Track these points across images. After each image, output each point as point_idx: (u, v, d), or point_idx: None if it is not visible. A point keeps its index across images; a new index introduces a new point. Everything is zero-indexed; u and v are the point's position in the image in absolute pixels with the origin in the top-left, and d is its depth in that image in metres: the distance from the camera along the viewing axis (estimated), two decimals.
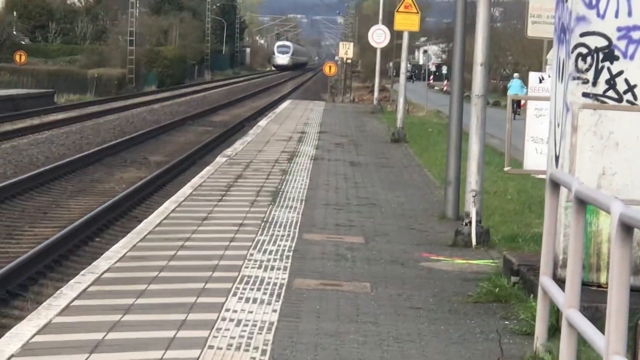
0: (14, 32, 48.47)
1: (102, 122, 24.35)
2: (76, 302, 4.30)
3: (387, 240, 6.94)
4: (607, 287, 2.24)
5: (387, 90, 38.79)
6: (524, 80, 33.94)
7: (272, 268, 5.50)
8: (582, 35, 4.53)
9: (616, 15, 4.49)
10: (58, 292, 4.66)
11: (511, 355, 3.61)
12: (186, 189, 9.33)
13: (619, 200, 2.36)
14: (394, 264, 5.95)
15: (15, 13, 50.32)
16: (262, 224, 7.24)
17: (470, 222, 6.62)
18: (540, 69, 13.22)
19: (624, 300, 2.00)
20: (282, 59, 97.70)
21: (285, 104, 28.92)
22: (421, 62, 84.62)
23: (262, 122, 19.73)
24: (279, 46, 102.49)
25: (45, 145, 17.77)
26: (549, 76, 7.16)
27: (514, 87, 34.48)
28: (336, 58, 56.46)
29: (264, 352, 3.54)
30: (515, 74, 39.07)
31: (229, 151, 13.56)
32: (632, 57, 4.52)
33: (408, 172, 12.52)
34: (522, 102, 15.21)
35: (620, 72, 4.51)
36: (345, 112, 26.44)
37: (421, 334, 4.00)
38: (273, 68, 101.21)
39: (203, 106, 33.06)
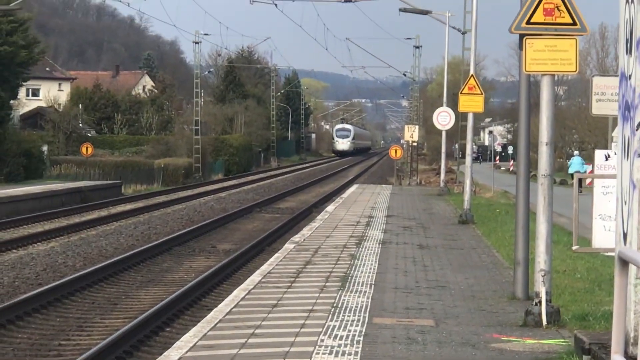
0: (80, 125, 48.70)
1: (169, 211, 24.47)
2: None
3: (458, 322, 6.89)
4: None
5: (453, 172, 38.75)
6: (587, 157, 33.51)
7: (344, 353, 5.56)
8: None
9: None
10: None
11: None
12: (255, 277, 9.42)
13: None
14: (465, 346, 5.91)
15: (80, 105, 50.29)
16: (332, 310, 7.31)
17: (540, 302, 6.54)
18: (606, 146, 13.13)
19: None
20: (342, 144, 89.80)
21: (352, 188, 29.09)
22: (487, 143, 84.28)
23: (330, 208, 19.84)
24: (338, 130, 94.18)
25: (113, 237, 18.00)
26: (615, 153, 7.17)
27: (575, 164, 34.07)
28: (402, 141, 57.48)
29: None
30: (576, 152, 38.60)
31: (296, 237, 13.66)
32: None
33: (477, 253, 12.39)
34: (588, 180, 15.00)
35: None
36: (412, 195, 26.47)
37: None
38: (332, 154, 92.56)
39: (270, 193, 33.29)
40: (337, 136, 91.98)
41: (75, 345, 8.38)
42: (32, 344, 8.48)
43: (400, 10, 25.65)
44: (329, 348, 5.75)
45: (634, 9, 4.63)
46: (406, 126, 41.80)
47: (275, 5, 32.54)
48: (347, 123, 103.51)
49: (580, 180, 21.58)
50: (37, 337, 8.79)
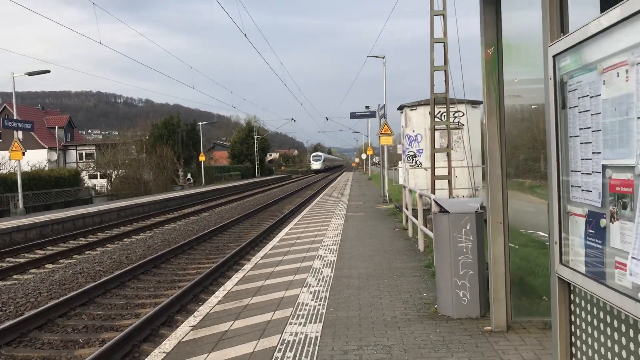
0: None
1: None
2: None
3: (365, 201, 28.20)
4: None
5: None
6: None
7: None
8: None
9: None
10: None
11: None
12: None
13: None
14: (366, 208, 27.12)
15: None
16: None
17: (386, 198, 28.12)
18: None
19: None
20: (315, 165, 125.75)
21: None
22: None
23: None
24: (313, 156, 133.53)
25: None
26: None
27: None
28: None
29: None
30: None
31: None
32: None
33: (372, 188, 34.04)
34: None
35: None
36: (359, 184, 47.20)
37: None
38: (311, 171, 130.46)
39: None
40: (312, 160, 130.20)
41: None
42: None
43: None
44: None
45: None
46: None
47: None
48: (319, 151, 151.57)
49: None
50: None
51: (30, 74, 28.10)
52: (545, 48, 4.30)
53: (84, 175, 57.85)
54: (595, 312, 3.77)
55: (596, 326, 3.75)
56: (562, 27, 4.33)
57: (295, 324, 6.96)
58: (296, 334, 6.55)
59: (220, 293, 8.84)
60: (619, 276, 3.38)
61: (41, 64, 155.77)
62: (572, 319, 4.14)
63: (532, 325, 6.54)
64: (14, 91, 28.93)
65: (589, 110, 3.66)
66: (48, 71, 28.23)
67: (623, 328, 3.43)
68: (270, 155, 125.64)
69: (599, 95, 3.53)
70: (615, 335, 3.51)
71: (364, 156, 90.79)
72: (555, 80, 4.10)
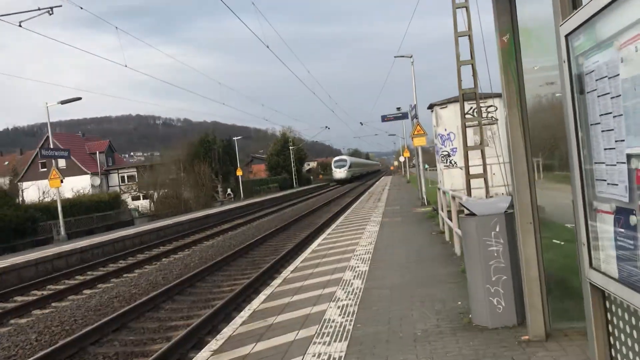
0: None
1: None
2: None
3: (402, 204, 27.60)
4: None
5: None
6: None
7: None
8: None
9: None
10: None
11: None
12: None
13: None
14: (402, 211, 26.55)
15: None
16: None
17: (424, 201, 27.52)
18: None
19: None
20: (339, 173, 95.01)
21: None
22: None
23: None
24: (335, 161, 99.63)
25: None
26: None
27: None
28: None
29: None
30: None
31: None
32: None
33: (410, 190, 33.35)
34: None
35: None
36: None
37: None
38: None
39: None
40: (334, 167, 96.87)
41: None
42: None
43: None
44: None
45: None
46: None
47: None
48: (350, 155, 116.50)
49: None
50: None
51: (63, 102, 28.59)
52: (557, 28, 3.86)
53: (127, 197, 58.77)
54: (634, 323, 3.30)
55: (637, 338, 3.28)
56: (575, 3, 3.88)
57: (320, 343, 6.58)
58: (320, 354, 6.18)
59: (245, 313, 8.53)
60: None
61: (77, 92, 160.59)
62: (610, 329, 3.67)
63: (574, 331, 6.01)
64: (49, 120, 29.47)
65: (608, 94, 3.22)
66: (79, 98, 28.67)
67: None
68: (308, 165, 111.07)
69: (618, 75, 3.08)
70: None
71: (402, 159, 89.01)
72: (570, 62, 3.66)
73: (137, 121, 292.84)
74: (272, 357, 6.24)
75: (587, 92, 3.49)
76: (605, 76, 3.23)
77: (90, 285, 17.51)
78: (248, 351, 6.57)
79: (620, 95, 3.08)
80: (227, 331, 7.61)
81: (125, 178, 72.33)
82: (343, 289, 9.45)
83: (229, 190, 68.06)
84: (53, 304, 15.39)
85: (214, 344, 7.10)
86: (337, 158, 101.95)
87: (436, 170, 26.69)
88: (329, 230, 19.80)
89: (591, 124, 3.48)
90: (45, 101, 29.19)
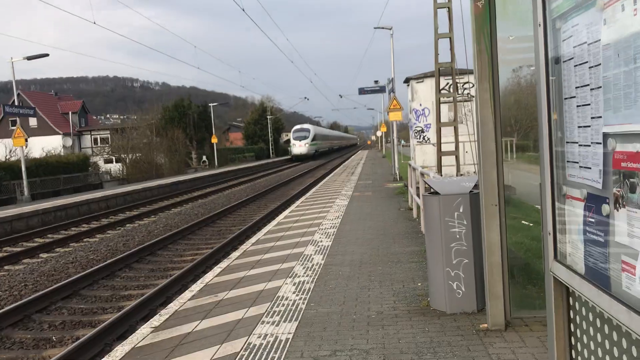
0: None
1: None
2: None
3: (375, 179, 27.29)
4: None
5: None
6: None
7: None
8: None
9: None
10: None
11: None
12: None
13: None
14: (374, 185, 26.27)
15: None
16: None
17: (396, 176, 27.23)
18: None
19: None
20: (298, 148, 70.29)
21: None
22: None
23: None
24: (295, 131, 72.88)
25: None
26: None
27: None
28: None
29: None
30: None
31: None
32: None
33: (384, 164, 33.03)
34: None
35: None
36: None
37: None
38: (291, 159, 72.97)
39: None
40: (293, 138, 71.91)
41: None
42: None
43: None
44: None
45: None
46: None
47: None
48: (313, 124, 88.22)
49: None
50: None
51: (29, 58, 27.48)
52: None
53: (99, 160, 57.59)
54: (599, 325, 2.92)
55: (600, 342, 2.90)
56: None
57: (268, 323, 6.18)
58: (265, 335, 5.77)
59: (196, 287, 8.08)
60: (627, 282, 2.51)
61: (51, 50, 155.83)
62: (572, 329, 3.29)
63: (535, 321, 5.69)
64: (14, 77, 28.36)
65: (586, 62, 2.77)
66: (46, 54, 27.57)
67: (634, 351, 2.57)
68: (286, 135, 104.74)
69: (599, 40, 2.64)
70: (625, 358, 2.66)
71: (379, 133, 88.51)
72: (546, 26, 3.20)
73: (115, 82, 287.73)
74: (214, 337, 5.82)
75: (563, 61, 3.04)
76: (585, 42, 2.78)
77: (47, 249, 16.91)
78: (191, 329, 6.14)
79: (600, 64, 2.64)
80: (173, 306, 7.17)
81: (99, 140, 70.91)
82: (302, 264, 9.05)
83: (204, 158, 67.15)
84: (6, 267, 14.79)
85: (156, 319, 6.66)
86: (297, 127, 74.59)
87: (406, 146, 26.23)
88: (298, 202, 19.38)
89: (565, 98, 3.05)
90: (10, 56, 28.02)
